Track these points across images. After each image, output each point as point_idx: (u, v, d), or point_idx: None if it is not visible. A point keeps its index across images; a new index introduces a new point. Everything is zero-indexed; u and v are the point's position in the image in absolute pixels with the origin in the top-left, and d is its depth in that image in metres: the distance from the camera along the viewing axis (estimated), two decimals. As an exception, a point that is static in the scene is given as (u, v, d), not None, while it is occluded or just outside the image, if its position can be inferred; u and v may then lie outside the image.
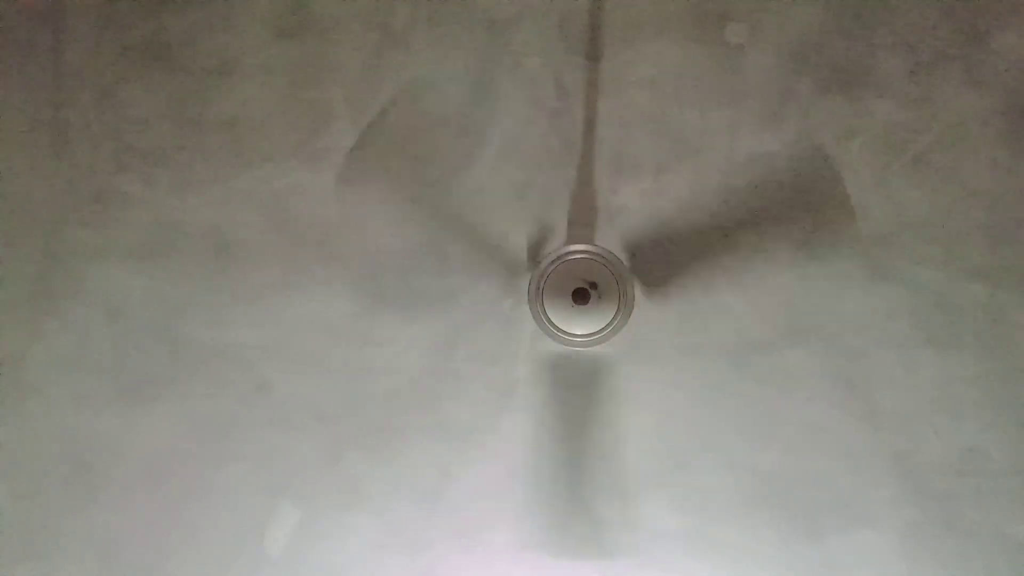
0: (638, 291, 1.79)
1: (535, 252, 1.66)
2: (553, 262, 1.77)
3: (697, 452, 1.80)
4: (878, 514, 1.78)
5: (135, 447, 1.84)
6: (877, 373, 1.78)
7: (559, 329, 1.78)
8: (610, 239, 1.80)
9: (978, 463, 1.76)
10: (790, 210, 1.79)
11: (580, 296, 1.74)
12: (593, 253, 1.77)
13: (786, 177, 1.80)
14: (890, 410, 1.78)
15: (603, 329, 1.78)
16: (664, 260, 1.80)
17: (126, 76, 1.86)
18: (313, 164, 1.84)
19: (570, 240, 1.81)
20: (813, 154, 1.79)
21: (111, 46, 1.86)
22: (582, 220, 1.81)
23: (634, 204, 1.81)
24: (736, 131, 1.80)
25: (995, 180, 1.77)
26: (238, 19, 1.85)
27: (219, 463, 1.84)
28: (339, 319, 1.83)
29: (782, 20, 1.80)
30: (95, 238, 1.85)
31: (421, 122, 1.84)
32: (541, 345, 1.82)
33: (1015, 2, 1.78)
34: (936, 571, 1.77)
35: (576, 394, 1.82)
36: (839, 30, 1.80)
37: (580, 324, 1.77)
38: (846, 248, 1.78)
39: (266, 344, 1.84)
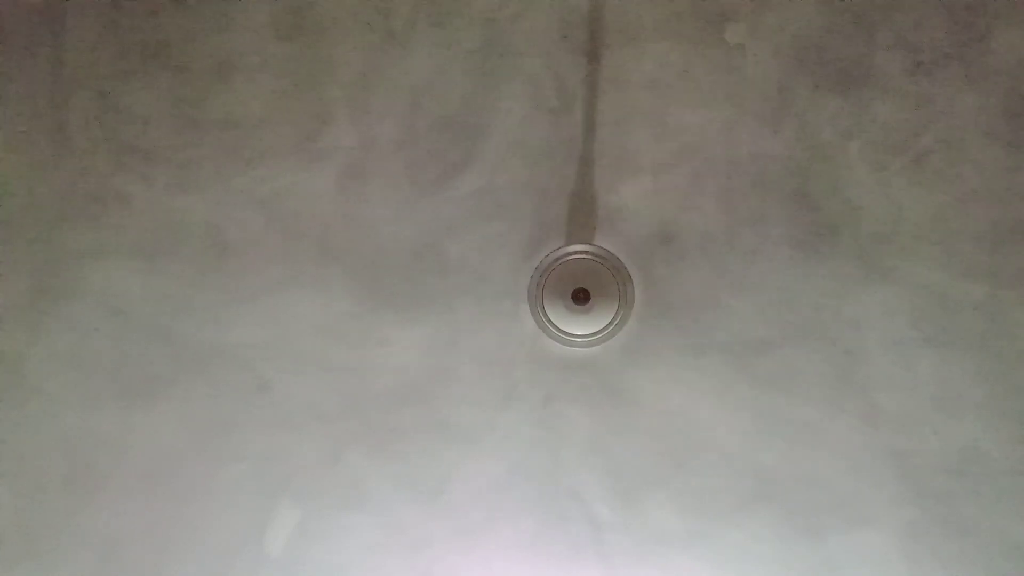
0: (637, 291, 1.80)
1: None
2: (553, 262, 1.77)
3: (697, 452, 1.80)
4: (878, 514, 1.78)
5: (135, 447, 1.84)
6: (877, 373, 1.78)
7: (559, 329, 1.78)
8: (610, 239, 1.80)
9: (978, 463, 1.76)
10: (790, 210, 1.79)
11: (580, 296, 1.74)
12: (593, 253, 1.77)
13: (786, 177, 1.80)
14: (890, 410, 1.78)
15: (603, 329, 1.78)
16: (664, 260, 1.81)
17: (126, 76, 1.86)
18: (313, 164, 1.84)
19: (570, 240, 1.81)
20: (813, 154, 1.79)
21: (111, 46, 1.86)
22: (582, 220, 1.81)
23: (634, 204, 1.81)
24: (736, 131, 1.80)
25: (995, 180, 1.77)
26: (238, 19, 1.86)
27: (219, 463, 1.84)
28: (339, 319, 1.83)
29: (782, 20, 1.80)
30: (95, 238, 1.85)
31: (421, 122, 1.84)
32: (541, 345, 1.82)
33: (1015, 2, 1.78)
34: (936, 571, 1.77)
35: (576, 394, 1.82)
36: (839, 30, 1.80)
37: (580, 324, 1.77)
38: (846, 248, 1.78)
39: (266, 344, 1.84)
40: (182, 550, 1.84)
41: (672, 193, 1.81)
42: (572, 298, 1.75)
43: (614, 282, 1.76)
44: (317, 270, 1.84)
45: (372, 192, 1.84)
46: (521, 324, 1.82)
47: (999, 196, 1.77)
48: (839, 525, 1.78)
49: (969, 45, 1.78)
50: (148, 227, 1.85)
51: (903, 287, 1.78)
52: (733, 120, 1.80)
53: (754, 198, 1.80)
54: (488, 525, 1.82)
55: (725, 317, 1.80)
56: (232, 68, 1.85)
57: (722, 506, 1.80)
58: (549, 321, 1.77)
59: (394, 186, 1.84)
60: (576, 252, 1.77)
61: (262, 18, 1.85)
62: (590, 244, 1.78)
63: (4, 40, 1.87)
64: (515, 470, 1.82)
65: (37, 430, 1.85)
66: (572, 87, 1.82)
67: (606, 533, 1.81)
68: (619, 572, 1.81)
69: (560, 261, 1.77)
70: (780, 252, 1.79)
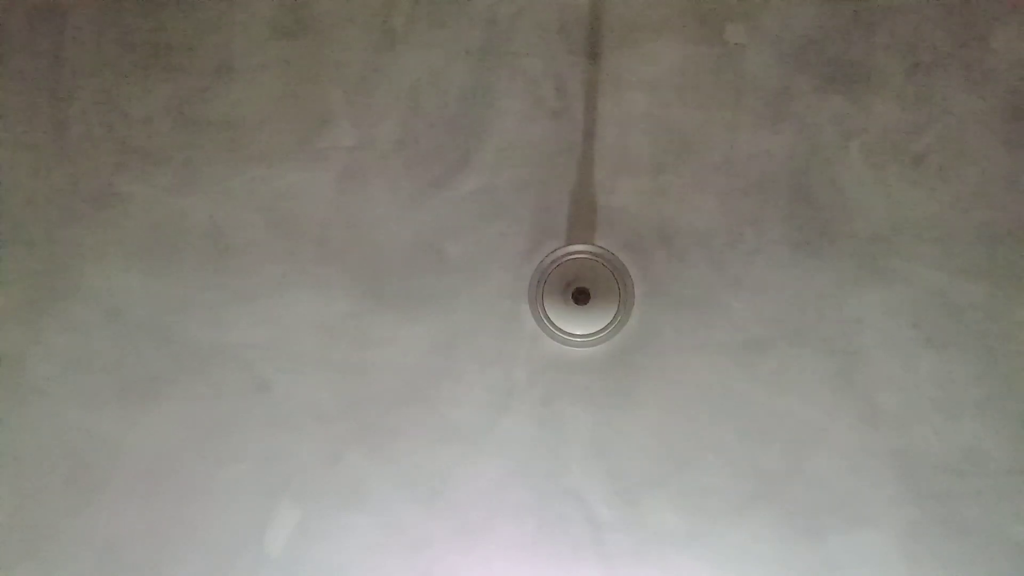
0: (637, 291, 1.80)
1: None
2: (553, 262, 1.77)
3: (697, 452, 1.80)
4: (878, 514, 1.78)
5: (135, 447, 1.84)
6: (877, 373, 1.78)
7: (559, 329, 1.78)
8: (610, 239, 1.80)
9: (978, 463, 1.76)
10: (790, 210, 1.79)
11: (580, 296, 1.74)
12: (593, 253, 1.77)
13: (786, 177, 1.80)
14: (890, 410, 1.78)
15: (603, 329, 1.78)
16: (664, 260, 1.80)
17: (126, 76, 1.86)
18: (313, 164, 1.84)
19: (570, 240, 1.81)
20: (813, 154, 1.79)
21: (111, 46, 1.86)
22: (582, 220, 1.81)
23: (634, 204, 1.81)
24: (736, 131, 1.80)
25: (995, 180, 1.77)
26: (238, 19, 1.85)
27: (219, 463, 1.84)
28: (339, 319, 1.83)
29: (782, 20, 1.80)
30: (95, 238, 1.85)
31: (421, 122, 1.84)
32: (541, 345, 1.82)
33: (1015, 2, 1.78)
34: (936, 571, 1.77)
35: (576, 394, 1.81)
36: (839, 30, 1.80)
37: (580, 324, 1.77)
38: (846, 248, 1.78)
39: (266, 344, 1.84)
40: (182, 550, 1.84)
41: (672, 193, 1.81)
42: (572, 298, 1.75)
43: (614, 282, 1.76)
44: (317, 270, 1.84)
45: (372, 192, 1.84)
46: (521, 324, 1.82)
47: (999, 196, 1.77)
48: (839, 525, 1.78)
49: (969, 45, 1.78)
50: (148, 227, 1.85)
51: (903, 287, 1.78)
52: (733, 120, 1.80)
53: (754, 198, 1.80)
54: (488, 525, 1.82)
55: (725, 317, 1.80)
56: (232, 68, 1.85)
57: (722, 506, 1.80)
58: (549, 321, 1.77)
59: (394, 186, 1.84)
60: (576, 252, 1.77)
61: (262, 18, 1.85)
62: (590, 244, 1.78)
63: (4, 40, 1.87)
64: (515, 470, 1.82)
65: (37, 430, 1.85)
66: (572, 87, 1.82)
67: (606, 533, 1.81)
68: (619, 572, 1.80)
69: (560, 261, 1.77)
70: (780, 252, 1.79)
